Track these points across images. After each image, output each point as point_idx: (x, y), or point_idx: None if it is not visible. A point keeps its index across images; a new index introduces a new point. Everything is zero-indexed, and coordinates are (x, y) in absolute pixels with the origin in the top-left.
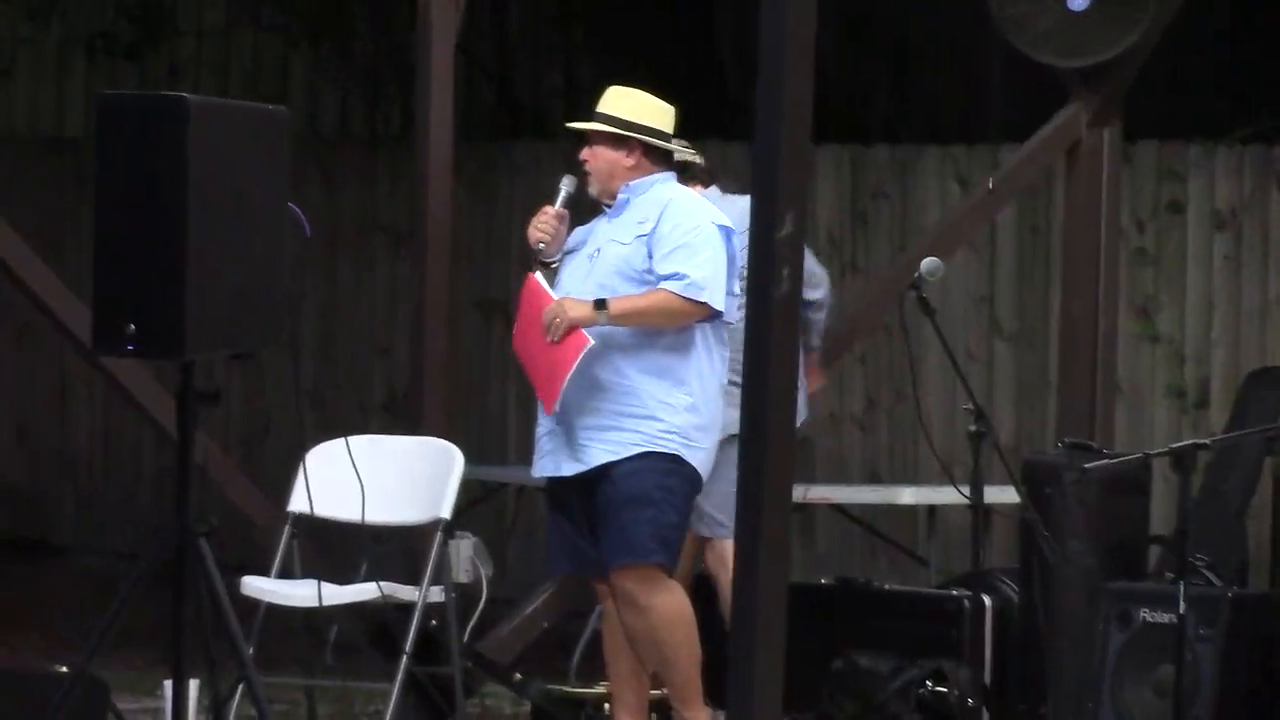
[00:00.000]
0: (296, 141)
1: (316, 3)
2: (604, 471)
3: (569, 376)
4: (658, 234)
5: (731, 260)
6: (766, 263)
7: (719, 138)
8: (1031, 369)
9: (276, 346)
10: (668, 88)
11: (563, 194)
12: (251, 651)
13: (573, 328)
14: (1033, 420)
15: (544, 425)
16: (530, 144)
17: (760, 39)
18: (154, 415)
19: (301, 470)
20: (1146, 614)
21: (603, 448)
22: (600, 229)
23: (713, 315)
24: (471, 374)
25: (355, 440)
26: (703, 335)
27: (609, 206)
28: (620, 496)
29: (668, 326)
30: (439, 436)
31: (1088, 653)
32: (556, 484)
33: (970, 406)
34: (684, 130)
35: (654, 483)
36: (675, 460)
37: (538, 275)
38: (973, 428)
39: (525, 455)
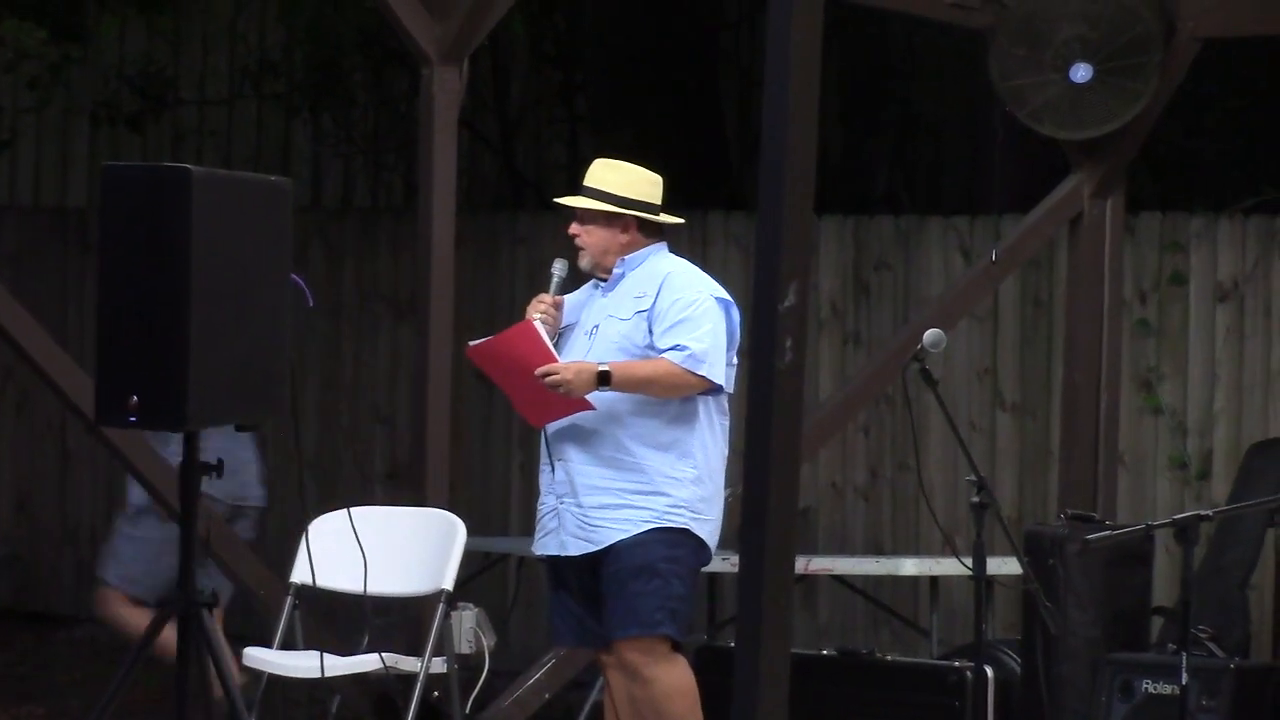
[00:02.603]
0: (299, 211)
1: (318, 73)
2: (611, 547)
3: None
4: (657, 309)
5: (731, 333)
6: (769, 334)
7: (721, 208)
8: (1034, 440)
9: (278, 417)
10: (670, 159)
11: (555, 280)
12: None
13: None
14: (1035, 491)
15: (546, 504)
16: (533, 215)
17: (764, 110)
18: (156, 486)
19: (304, 541)
20: (1149, 685)
21: (614, 527)
22: (596, 304)
23: (713, 388)
24: (474, 445)
25: (358, 511)
26: (705, 407)
27: (603, 280)
28: (627, 569)
29: (668, 397)
30: (441, 507)
31: None
32: (559, 562)
33: (972, 478)
34: (687, 201)
35: (661, 554)
36: (683, 533)
37: (538, 324)
38: (975, 499)
39: (528, 526)
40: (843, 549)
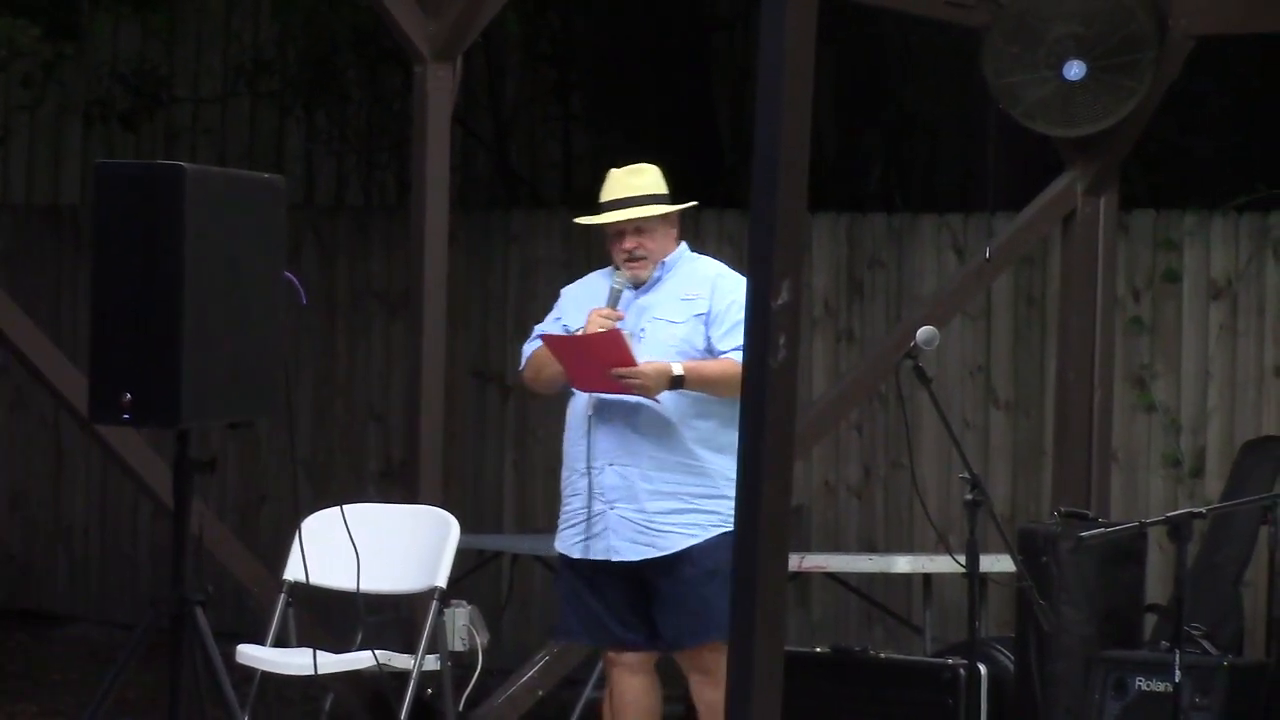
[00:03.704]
0: (292, 209)
1: (311, 71)
2: (682, 553)
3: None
4: (715, 311)
5: None
6: (762, 331)
7: (715, 206)
8: (1027, 438)
9: (272, 415)
10: (664, 156)
11: (617, 293)
12: None
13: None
14: (1028, 489)
15: (585, 506)
16: (526, 213)
17: (757, 107)
18: (150, 484)
19: (297, 539)
20: (1142, 683)
21: (683, 532)
22: (635, 305)
23: None
24: (467, 442)
25: (351, 509)
26: None
27: (632, 285)
28: (701, 574)
29: (730, 397)
30: (435, 505)
31: None
32: (596, 565)
33: (966, 475)
34: (680, 198)
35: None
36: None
37: (627, 334)
38: (968, 496)
39: (521, 523)
40: (836, 546)
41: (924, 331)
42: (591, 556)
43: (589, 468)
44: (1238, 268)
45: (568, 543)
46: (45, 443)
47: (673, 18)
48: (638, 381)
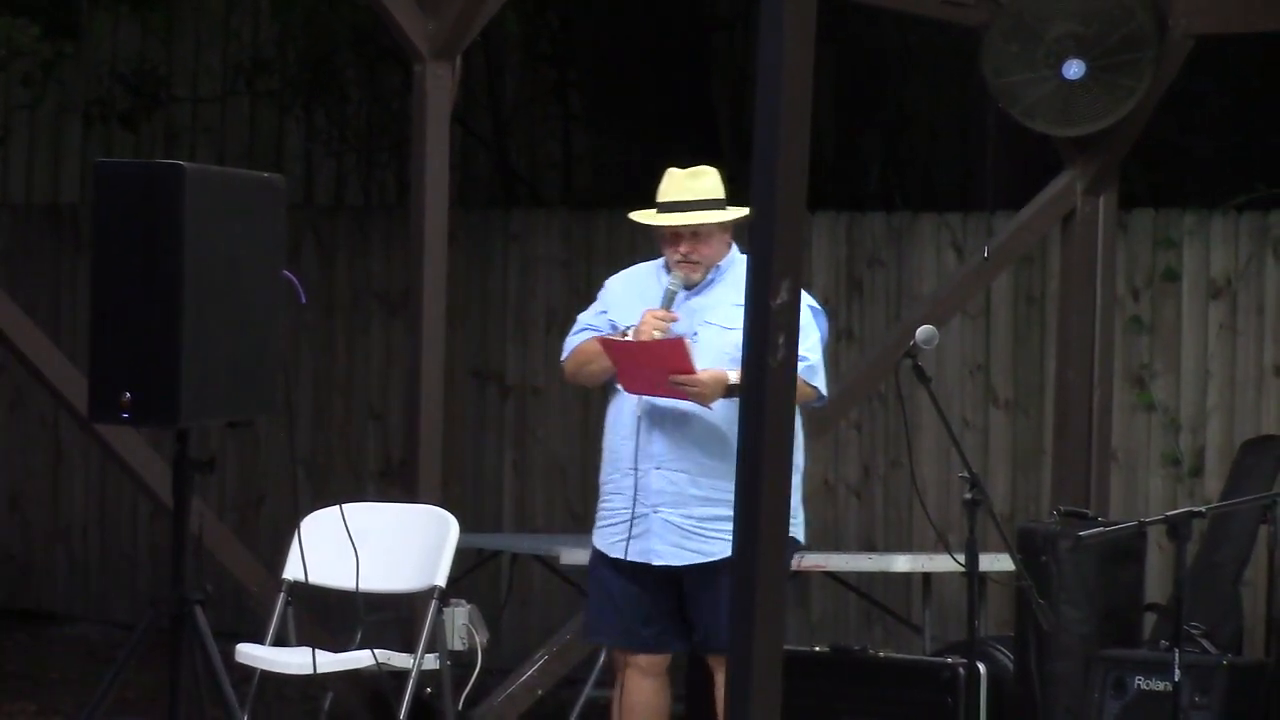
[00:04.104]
0: (291, 208)
1: (311, 70)
2: (723, 561)
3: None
4: None
5: (824, 342)
6: (762, 331)
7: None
8: (1026, 437)
9: (272, 414)
10: (663, 156)
11: (670, 294)
12: (246, 719)
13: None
14: (1028, 488)
15: (637, 509)
16: (526, 212)
17: (756, 107)
18: (149, 483)
19: (296, 538)
20: (1142, 682)
21: (726, 539)
22: (686, 306)
23: (818, 398)
24: (467, 441)
25: (350, 508)
26: (801, 417)
27: (684, 286)
28: None
29: None
30: (434, 504)
31: None
32: (636, 568)
33: (965, 474)
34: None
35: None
36: (793, 541)
37: (689, 341)
38: (968, 495)
39: (520, 523)
40: (836, 546)
41: (923, 331)
42: (629, 558)
43: (635, 468)
44: (1237, 267)
45: (607, 540)
46: (45, 442)
47: (672, 17)
48: (695, 389)
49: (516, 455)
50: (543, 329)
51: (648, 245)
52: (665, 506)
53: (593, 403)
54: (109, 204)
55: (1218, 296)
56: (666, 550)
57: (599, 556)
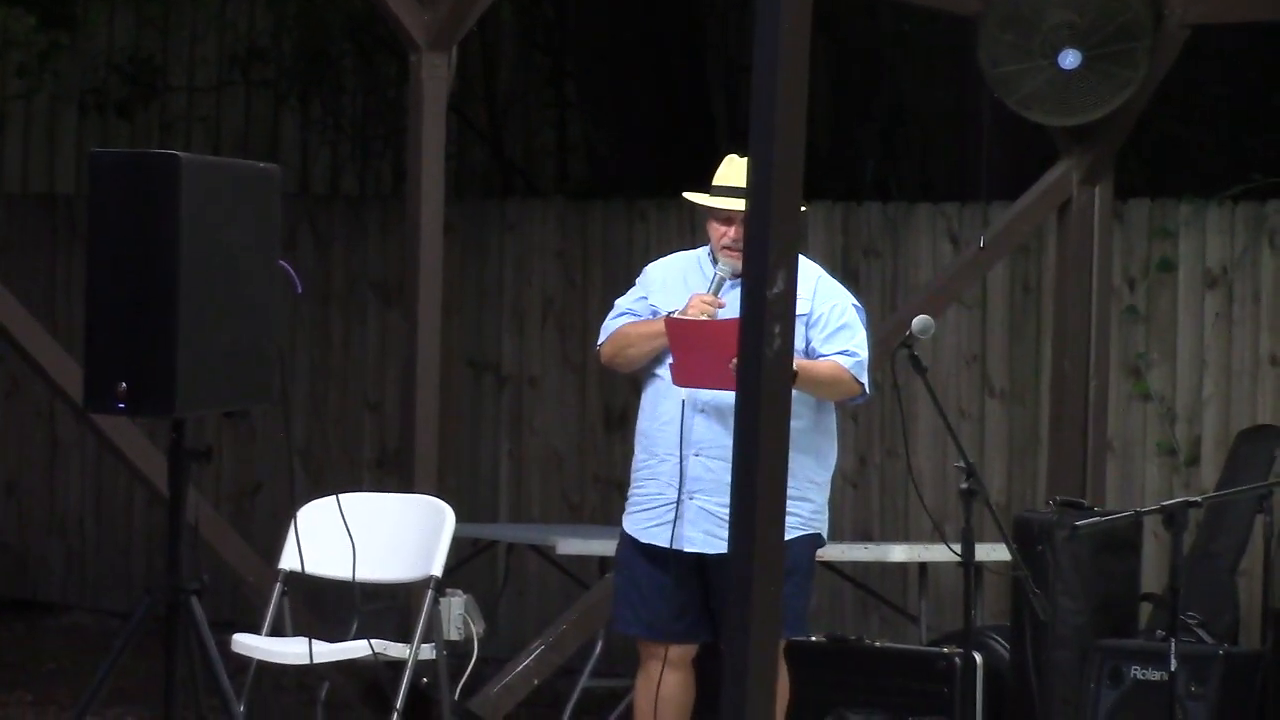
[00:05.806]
0: (287, 198)
1: (306, 60)
2: None
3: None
4: (816, 313)
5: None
6: (757, 321)
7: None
8: (1023, 427)
9: (268, 403)
10: (658, 145)
11: (719, 280)
12: (243, 709)
13: None
14: (1024, 478)
15: (661, 494)
16: (521, 201)
17: (752, 97)
18: (145, 473)
19: (293, 528)
20: (1138, 672)
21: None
22: (732, 294)
23: (861, 394)
24: (463, 431)
25: (346, 498)
26: (834, 413)
27: (730, 274)
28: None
29: (829, 399)
30: (430, 494)
31: (1079, 710)
32: (666, 555)
33: (961, 464)
34: (675, 187)
35: (805, 560)
36: (818, 538)
37: None
38: (964, 485)
39: (517, 513)
40: (832, 535)
41: (919, 321)
42: (661, 544)
43: (680, 454)
44: (1233, 256)
45: (639, 525)
46: (40, 432)
47: (667, 6)
48: None
49: (512, 445)
50: (539, 319)
51: (644, 234)
52: (701, 494)
53: (588, 393)
54: (104, 194)
55: (1214, 286)
56: (698, 537)
57: (629, 541)
